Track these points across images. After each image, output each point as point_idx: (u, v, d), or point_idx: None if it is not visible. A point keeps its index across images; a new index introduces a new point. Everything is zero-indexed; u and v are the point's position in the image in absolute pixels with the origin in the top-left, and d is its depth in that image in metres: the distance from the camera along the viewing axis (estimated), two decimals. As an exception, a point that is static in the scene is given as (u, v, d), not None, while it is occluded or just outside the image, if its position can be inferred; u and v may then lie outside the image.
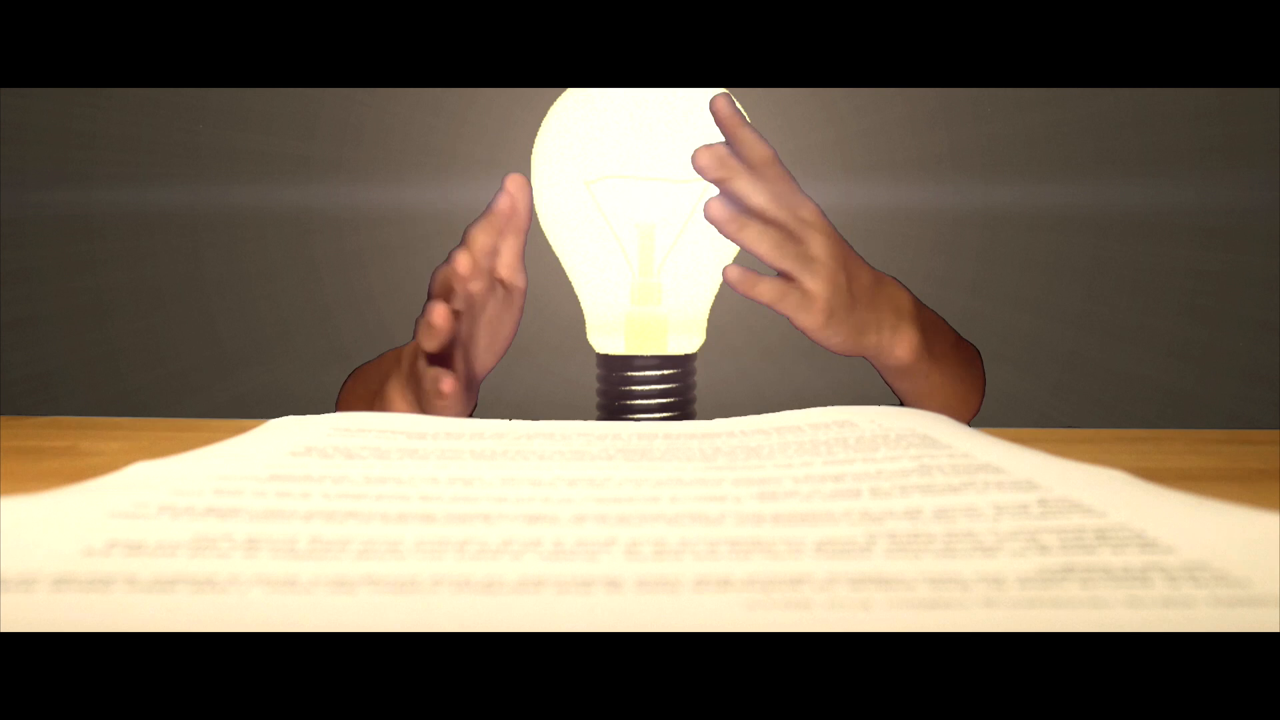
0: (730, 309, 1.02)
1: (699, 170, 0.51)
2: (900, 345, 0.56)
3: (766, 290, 0.53)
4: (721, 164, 0.51)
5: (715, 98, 0.53)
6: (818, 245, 0.53)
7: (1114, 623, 0.17)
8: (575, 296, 0.67)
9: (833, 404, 0.41)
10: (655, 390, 0.59)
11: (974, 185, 1.08)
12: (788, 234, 0.53)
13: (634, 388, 0.59)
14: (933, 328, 0.59)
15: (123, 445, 0.41)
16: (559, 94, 0.64)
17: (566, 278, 0.65)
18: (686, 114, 0.59)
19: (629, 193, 0.58)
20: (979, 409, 0.66)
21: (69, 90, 1.09)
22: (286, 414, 0.40)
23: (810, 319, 0.53)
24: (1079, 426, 0.49)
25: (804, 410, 0.42)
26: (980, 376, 0.65)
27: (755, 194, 0.52)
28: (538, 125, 0.64)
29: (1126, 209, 1.07)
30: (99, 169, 1.10)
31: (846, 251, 0.54)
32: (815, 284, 0.53)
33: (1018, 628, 0.17)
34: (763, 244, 0.52)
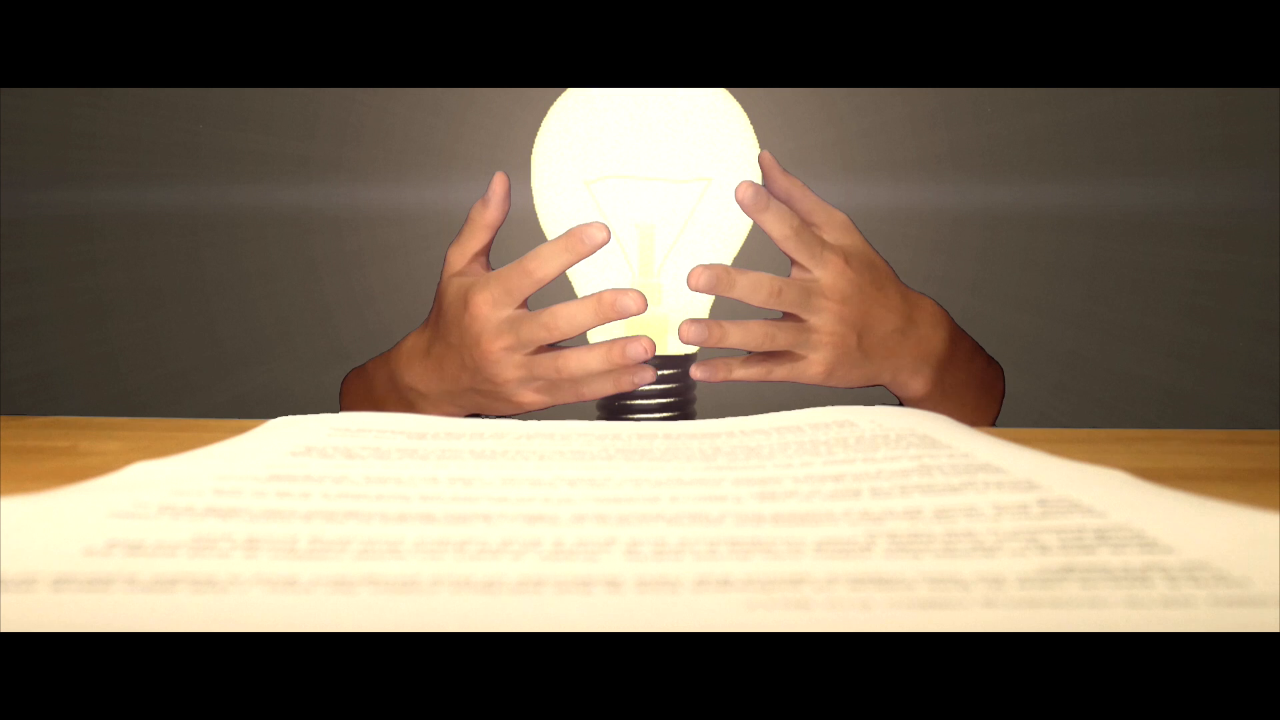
0: (731, 309, 1.02)
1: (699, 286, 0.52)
2: (914, 384, 0.57)
3: (744, 373, 0.54)
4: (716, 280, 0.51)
5: (739, 187, 0.52)
6: (818, 317, 0.53)
7: (1114, 623, 0.17)
8: (575, 296, 0.67)
9: (833, 404, 0.41)
10: (655, 390, 0.59)
11: (974, 185, 1.08)
12: (788, 321, 0.54)
13: (634, 388, 0.59)
14: (955, 362, 0.59)
15: (123, 445, 0.41)
16: (559, 94, 0.64)
17: (566, 278, 0.65)
18: (687, 114, 0.59)
19: (629, 193, 0.58)
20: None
21: (69, 90, 1.09)
22: (286, 414, 0.40)
23: (811, 378, 0.54)
24: (1079, 426, 0.49)
25: (804, 410, 0.42)
26: (996, 400, 0.65)
27: (754, 295, 0.52)
28: (538, 125, 0.64)
29: (1126, 209, 1.07)
30: (99, 169, 1.10)
31: (863, 307, 0.54)
32: (815, 354, 0.54)
33: (1018, 628, 0.17)
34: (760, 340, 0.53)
